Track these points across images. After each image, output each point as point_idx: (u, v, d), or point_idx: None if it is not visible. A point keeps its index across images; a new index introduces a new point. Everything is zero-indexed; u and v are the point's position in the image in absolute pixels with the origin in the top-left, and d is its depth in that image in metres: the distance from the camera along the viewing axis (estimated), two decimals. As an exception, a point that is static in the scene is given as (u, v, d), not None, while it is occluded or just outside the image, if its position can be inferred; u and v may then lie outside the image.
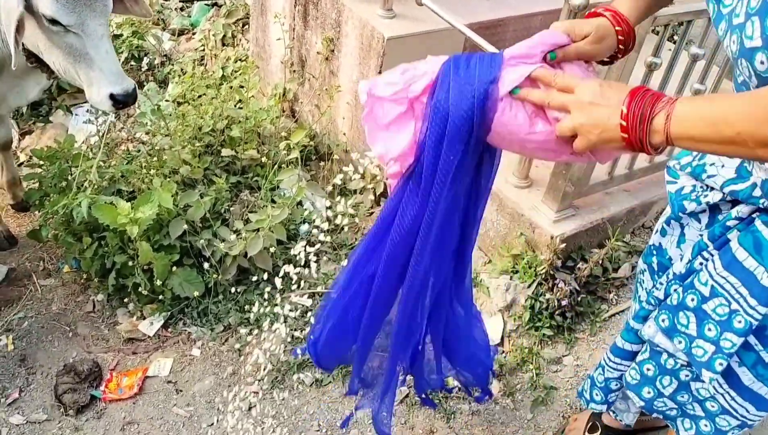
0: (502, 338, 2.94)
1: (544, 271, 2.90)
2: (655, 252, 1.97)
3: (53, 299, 3.24)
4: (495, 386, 2.82)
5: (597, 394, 2.22)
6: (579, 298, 3.03)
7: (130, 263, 3.01)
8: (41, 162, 3.29)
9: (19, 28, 2.41)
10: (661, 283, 1.84)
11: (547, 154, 1.49)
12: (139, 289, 3.02)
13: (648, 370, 1.93)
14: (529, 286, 2.92)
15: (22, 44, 2.52)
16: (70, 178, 3.16)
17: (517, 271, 2.99)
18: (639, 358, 1.97)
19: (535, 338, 2.91)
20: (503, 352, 2.92)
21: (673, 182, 1.86)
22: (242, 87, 4.13)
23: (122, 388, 2.83)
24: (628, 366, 2.04)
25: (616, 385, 2.15)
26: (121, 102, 2.54)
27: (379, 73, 3.43)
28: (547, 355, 2.92)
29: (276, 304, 3.17)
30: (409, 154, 1.60)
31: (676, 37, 3.08)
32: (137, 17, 4.01)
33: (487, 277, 3.03)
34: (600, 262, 3.08)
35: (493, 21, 3.56)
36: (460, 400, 2.80)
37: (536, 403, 2.79)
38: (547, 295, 2.90)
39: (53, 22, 2.40)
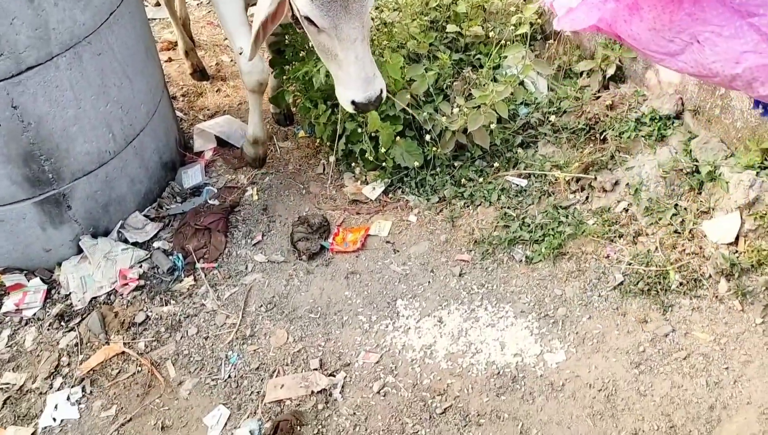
0: (737, 237, 2.69)
1: (800, 167, 2.56)
2: None
3: (290, 160, 3.59)
4: (723, 286, 2.63)
5: None
6: (839, 204, 2.65)
7: (359, 130, 3.20)
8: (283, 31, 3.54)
9: (276, 16, 2.37)
10: None
11: None
12: (365, 155, 3.22)
13: None
14: (779, 183, 2.61)
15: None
16: (308, 46, 3.37)
17: (765, 167, 2.67)
18: None
19: (777, 241, 2.63)
20: (737, 251, 2.68)
21: None
22: (470, -38, 4.01)
23: (347, 242, 3.10)
24: None
25: None
26: (362, 109, 2.47)
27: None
28: (789, 262, 2.63)
29: (491, 182, 3.21)
30: None
31: None
32: None
33: (728, 171, 2.75)
34: None
35: None
36: (680, 294, 2.66)
37: (769, 309, 2.57)
38: (800, 196, 2.58)
39: (308, 20, 2.32)
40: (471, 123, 3.14)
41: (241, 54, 2.94)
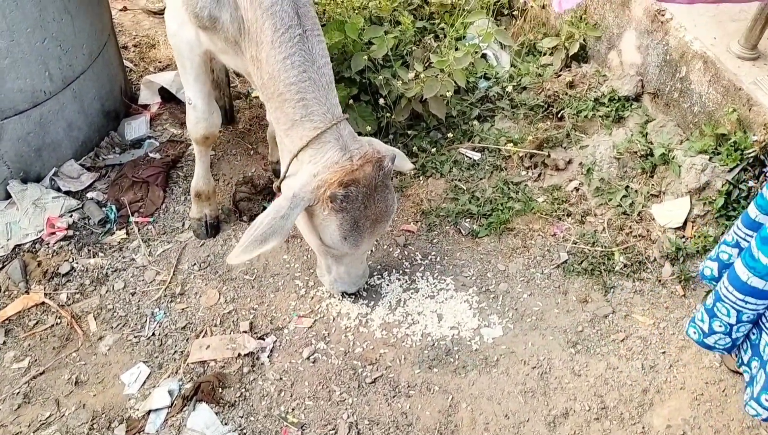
0: (686, 222, 2.64)
1: (753, 155, 2.51)
2: None
3: (240, 119, 3.45)
4: (666, 270, 2.58)
5: None
6: (789, 195, 2.61)
7: (311, 90, 3.07)
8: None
9: None
10: None
11: None
12: (316, 117, 3.09)
13: None
14: (731, 170, 2.56)
15: None
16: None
17: (718, 153, 2.62)
18: None
19: (723, 228, 2.58)
20: (683, 236, 2.63)
21: None
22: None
23: (290, 204, 2.97)
24: None
25: None
26: (349, 295, 2.61)
27: None
28: (735, 251, 2.58)
29: (444, 154, 3.12)
30: None
31: None
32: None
33: (682, 154, 2.70)
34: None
35: None
36: (623, 276, 2.61)
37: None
38: (750, 183, 2.53)
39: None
40: (427, 90, 3.04)
41: (190, 104, 2.61)
